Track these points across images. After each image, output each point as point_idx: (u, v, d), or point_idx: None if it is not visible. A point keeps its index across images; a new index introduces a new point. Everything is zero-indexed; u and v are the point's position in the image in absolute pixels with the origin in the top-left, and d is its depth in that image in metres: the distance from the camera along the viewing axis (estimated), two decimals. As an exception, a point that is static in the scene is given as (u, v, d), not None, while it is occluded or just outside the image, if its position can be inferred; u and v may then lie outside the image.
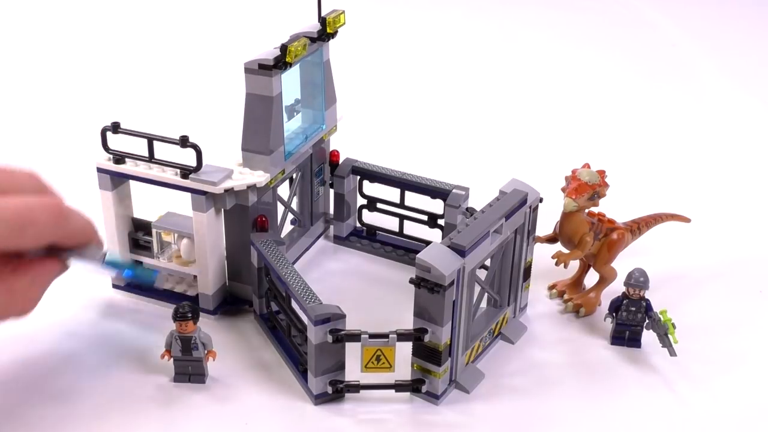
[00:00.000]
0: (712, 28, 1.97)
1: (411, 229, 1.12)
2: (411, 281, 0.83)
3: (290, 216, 1.10)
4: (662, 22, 2.00)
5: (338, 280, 1.07)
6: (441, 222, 1.09)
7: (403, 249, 1.10)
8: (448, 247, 0.83)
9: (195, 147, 0.90)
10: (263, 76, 0.93)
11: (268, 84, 0.93)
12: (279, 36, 0.96)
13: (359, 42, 1.46)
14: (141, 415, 0.85)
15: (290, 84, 1.01)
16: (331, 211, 1.14)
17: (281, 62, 0.93)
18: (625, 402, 0.88)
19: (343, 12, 1.01)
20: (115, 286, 1.03)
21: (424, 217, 1.10)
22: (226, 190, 0.93)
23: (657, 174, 1.35)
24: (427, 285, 0.81)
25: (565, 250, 1.00)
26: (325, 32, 1.00)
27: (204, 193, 0.92)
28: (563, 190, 0.97)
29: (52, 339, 0.95)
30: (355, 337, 0.83)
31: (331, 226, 1.15)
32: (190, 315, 0.86)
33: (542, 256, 1.00)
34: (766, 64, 1.80)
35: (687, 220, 1.11)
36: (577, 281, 1.04)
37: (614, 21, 2.01)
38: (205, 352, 0.88)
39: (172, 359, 0.88)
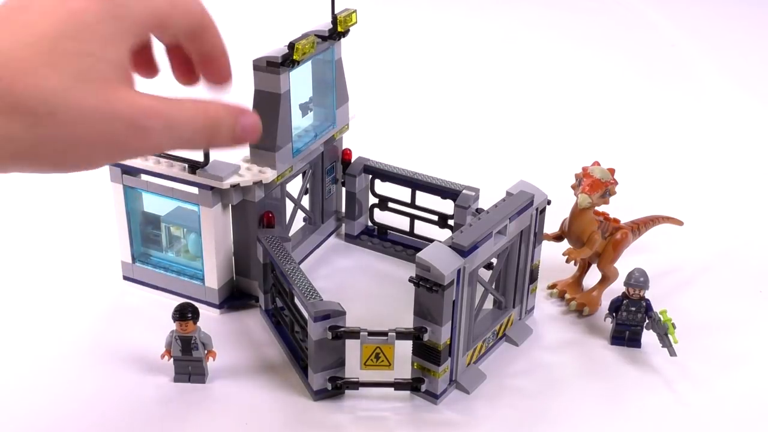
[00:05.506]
0: (712, 28, 1.88)
1: (422, 228, 1.04)
2: (410, 280, 0.76)
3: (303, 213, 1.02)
4: (662, 23, 1.88)
5: (347, 277, 1.00)
6: (451, 222, 1.00)
7: (414, 248, 1.02)
8: (449, 246, 0.75)
9: (202, 142, 0.81)
10: (271, 73, 0.86)
11: (275, 81, 0.86)
12: (291, 34, 0.89)
13: (373, 42, 1.36)
14: (141, 415, 0.79)
15: (302, 82, 0.95)
16: (343, 209, 1.06)
17: (289, 60, 0.86)
18: (626, 402, 0.83)
19: (355, 11, 0.94)
20: (125, 278, 0.95)
21: (435, 217, 1.02)
22: (233, 186, 0.86)
23: (658, 173, 1.27)
24: (426, 284, 0.75)
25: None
26: (336, 31, 0.93)
27: (211, 188, 0.85)
28: (573, 187, 0.90)
29: (53, 338, 0.88)
30: (354, 334, 0.77)
31: (343, 225, 1.07)
32: (190, 315, 0.80)
33: (542, 256, 0.92)
34: (766, 64, 1.69)
35: (680, 223, 1.05)
36: (577, 281, 0.97)
37: (615, 22, 1.90)
38: (205, 352, 0.81)
39: (172, 359, 0.81)
